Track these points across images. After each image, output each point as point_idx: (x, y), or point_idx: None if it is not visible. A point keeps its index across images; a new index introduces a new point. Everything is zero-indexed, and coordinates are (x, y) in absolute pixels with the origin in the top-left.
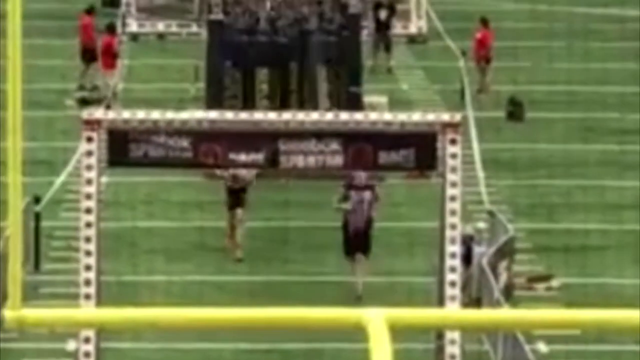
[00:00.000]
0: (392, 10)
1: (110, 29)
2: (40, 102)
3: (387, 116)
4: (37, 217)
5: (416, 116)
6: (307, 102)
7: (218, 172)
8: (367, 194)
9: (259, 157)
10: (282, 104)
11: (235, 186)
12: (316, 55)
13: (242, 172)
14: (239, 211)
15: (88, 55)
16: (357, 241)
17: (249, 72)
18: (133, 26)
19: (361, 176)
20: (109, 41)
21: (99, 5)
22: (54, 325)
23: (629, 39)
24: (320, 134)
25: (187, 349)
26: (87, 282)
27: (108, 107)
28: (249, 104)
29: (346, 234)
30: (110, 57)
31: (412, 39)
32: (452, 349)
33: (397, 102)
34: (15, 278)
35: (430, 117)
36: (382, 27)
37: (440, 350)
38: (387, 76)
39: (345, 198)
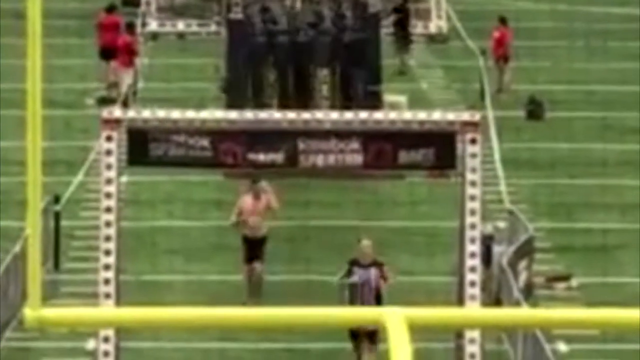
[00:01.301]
0: (402, 13)
1: (130, 28)
2: (59, 101)
3: (407, 115)
4: (57, 216)
5: (436, 115)
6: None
7: (234, 218)
8: (372, 273)
9: (278, 156)
10: (303, 104)
11: (252, 235)
12: (333, 54)
13: (257, 220)
14: (257, 265)
15: (109, 53)
16: (364, 330)
17: (270, 71)
18: (153, 25)
19: (367, 253)
20: (127, 40)
21: (119, 4)
22: (74, 324)
23: None
24: (340, 133)
25: (207, 349)
26: (107, 281)
27: (125, 105)
28: (268, 103)
29: None
30: (129, 55)
31: (432, 39)
32: (472, 348)
33: (416, 102)
34: (34, 277)
35: (450, 116)
36: (398, 29)
37: (460, 349)
38: (406, 75)
39: (349, 274)
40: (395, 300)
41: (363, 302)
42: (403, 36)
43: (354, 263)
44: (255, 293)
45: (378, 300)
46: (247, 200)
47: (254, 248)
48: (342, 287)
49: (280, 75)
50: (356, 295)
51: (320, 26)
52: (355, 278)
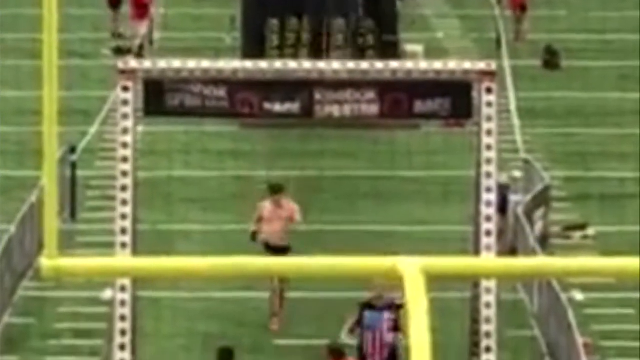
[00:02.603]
0: None
1: None
2: (75, 51)
3: (423, 65)
4: (73, 166)
5: (452, 65)
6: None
7: (253, 226)
8: (385, 317)
9: (294, 106)
10: (317, 53)
11: (273, 243)
12: (348, 4)
13: (278, 228)
14: (280, 285)
15: (114, 1)
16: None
17: (285, 21)
18: None
19: (382, 295)
20: None
21: None
22: (90, 274)
23: None
24: (355, 83)
25: (223, 298)
26: (123, 231)
27: (140, 56)
28: (282, 53)
29: None
30: (140, 7)
31: None
32: (488, 298)
33: (433, 51)
34: (51, 227)
35: (466, 65)
36: None
37: (475, 298)
38: (422, 25)
39: (359, 322)
40: (411, 249)
41: (374, 351)
42: None
43: (367, 306)
44: (276, 307)
45: (393, 352)
46: (266, 207)
47: (275, 254)
48: (347, 344)
49: (294, 25)
50: (365, 351)
51: None
52: (352, 341)
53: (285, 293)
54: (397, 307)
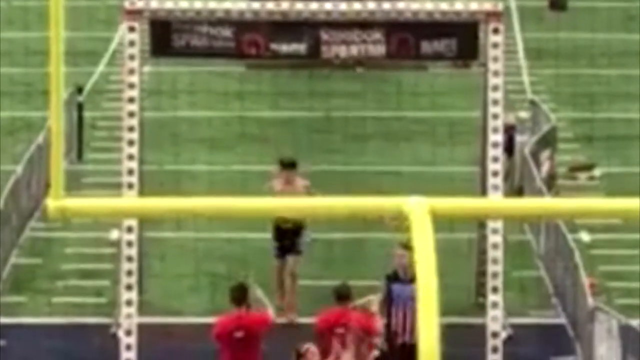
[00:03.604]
0: None
1: None
2: None
3: (429, 5)
4: (80, 107)
5: (459, 5)
6: None
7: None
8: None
9: (300, 47)
10: None
11: (285, 226)
12: None
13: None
14: (290, 260)
15: None
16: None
17: None
18: None
19: (405, 264)
20: None
21: None
22: (96, 214)
23: None
24: (362, 24)
25: (229, 238)
26: (130, 172)
27: None
28: None
29: (391, 348)
30: None
31: None
32: (495, 238)
33: None
34: (57, 168)
35: (473, 6)
36: None
37: (482, 239)
38: None
39: (389, 294)
40: (418, 189)
41: (405, 338)
42: None
43: (393, 278)
44: (288, 298)
45: None
46: (276, 186)
47: (286, 239)
48: (380, 309)
49: None
50: (393, 326)
51: None
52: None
53: (294, 279)
54: None
